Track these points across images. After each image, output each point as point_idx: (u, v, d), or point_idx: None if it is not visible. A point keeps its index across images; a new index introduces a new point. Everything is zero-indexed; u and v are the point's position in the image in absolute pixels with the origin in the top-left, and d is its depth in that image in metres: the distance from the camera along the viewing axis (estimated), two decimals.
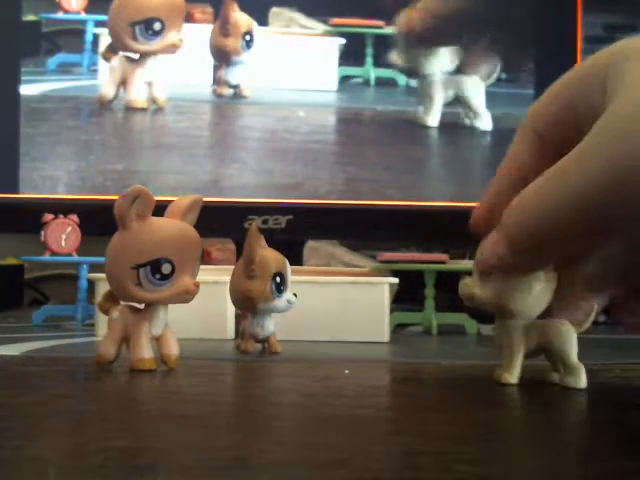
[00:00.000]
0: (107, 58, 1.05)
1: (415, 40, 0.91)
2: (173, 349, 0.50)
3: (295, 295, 0.62)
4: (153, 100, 1.07)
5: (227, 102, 1.06)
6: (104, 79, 1.10)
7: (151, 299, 0.48)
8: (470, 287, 0.46)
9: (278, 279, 0.61)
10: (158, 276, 0.47)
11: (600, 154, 0.35)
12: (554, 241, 0.38)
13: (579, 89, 0.39)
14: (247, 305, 0.61)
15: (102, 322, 0.78)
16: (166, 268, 0.47)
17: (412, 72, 0.97)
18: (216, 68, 1.04)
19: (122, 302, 0.50)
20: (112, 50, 1.05)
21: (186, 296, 0.48)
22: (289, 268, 0.62)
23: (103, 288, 0.79)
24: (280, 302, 0.61)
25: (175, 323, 0.51)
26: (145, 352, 0.49)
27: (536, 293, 0.45)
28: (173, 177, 1.11)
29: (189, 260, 0.48)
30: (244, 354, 0.61)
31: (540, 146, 0.42)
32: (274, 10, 1.05)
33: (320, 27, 1.03)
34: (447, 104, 0.98)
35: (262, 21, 1.02)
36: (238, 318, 0.67)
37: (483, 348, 0.71)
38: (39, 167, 1.18)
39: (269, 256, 0.61)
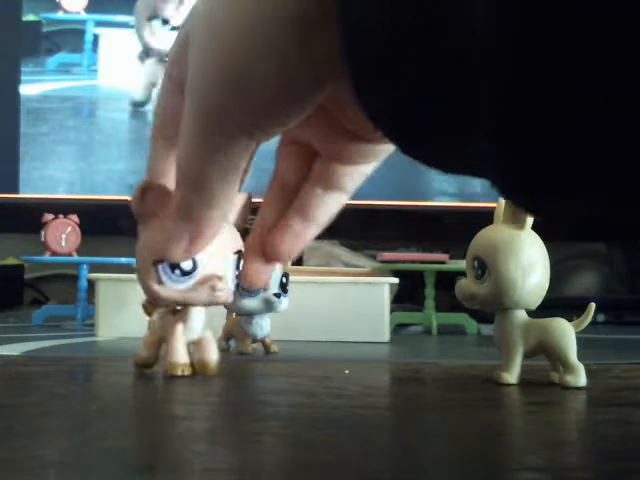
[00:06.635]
0: None
1: None
2: (210, 355, 0.48)
3: (277, 295, 0.60)
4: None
5: None
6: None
7: (171, 297, 0.44)
8: (469, 287, 0.47)
9: None
10: (178, 272, 0.43)
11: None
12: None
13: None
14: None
15: (102, 322, 0.78)
16: (186, 264, 0.43)
17: None
18: None
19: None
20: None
21: (212, 292, 0.44)
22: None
23: (103, 288, 0.79)
24: (249, 302, 0.60)
25: None
26: (179, 357, 0.46)
27: (533, 282, 0.45)
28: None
29: (214, 255, 0.44)
30: (241, 355, 0.61)
31: (302, 156, 0.34)
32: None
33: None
34: None
35: None
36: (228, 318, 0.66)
37: (483, 348, 0.71)
38: (39, 167, 1.18)
39: None
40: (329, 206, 0.35)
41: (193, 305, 0.46)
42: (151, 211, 0.40)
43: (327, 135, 0.33)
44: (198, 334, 0.47)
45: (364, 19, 0.21)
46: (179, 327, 0.46)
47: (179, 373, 0.46)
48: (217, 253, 0.44)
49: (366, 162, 0.34)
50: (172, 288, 0.43)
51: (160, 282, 0.42)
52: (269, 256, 0.35)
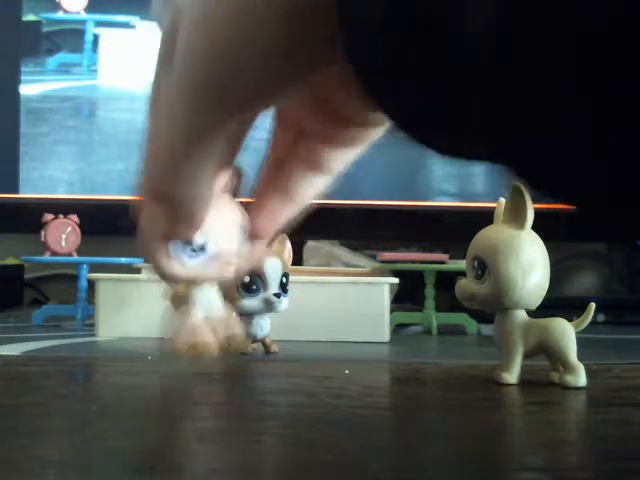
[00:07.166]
0: None
1: None
2: (235, 330, 0.47)
3: (277, 295, 0.60)
4: None
5: None
6: None
7: (184, 274, 0.43)
8: (469, 287, 0.47)
9: (247, 279, 0.60)
10: (190, 249, 0.43)
11: None
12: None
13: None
14: None
15: (102, 322, 0.78)
16: (198, 240, 0.43)
17: None
18: None
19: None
20: None
21: (224, 268, 0.43)
22: (273, 267, 0.61)
23: (103, 288, 0.79)
24: (250, 302, 0.60)
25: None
26: (198, 337, 0.45)
27: (533, 282, 0.45)
28: None
29: (222, 231, 0.43)
30: (242, 355, 0.61)
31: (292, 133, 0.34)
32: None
33: None
34: None
35: None
36: None
37: (483, 348, 0.71)
38: (39, 167, 1.18)
39: None
40: (311, 187, 0.35)
41: (204, 282, 0.46)
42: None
43: (317, 117, 0.33)
44: (217, 313, 0.47)
45: (363, 19, 0.21)
46: (192, 309, 0.46)
47: (199, 353, 0.46)
48: (224, 229, 0.44)
49: (355, 145, 0.34)
50: (185, 265, 0.43)
51: (171, 259, 0.42)
52: (249, 233, 0.36)
